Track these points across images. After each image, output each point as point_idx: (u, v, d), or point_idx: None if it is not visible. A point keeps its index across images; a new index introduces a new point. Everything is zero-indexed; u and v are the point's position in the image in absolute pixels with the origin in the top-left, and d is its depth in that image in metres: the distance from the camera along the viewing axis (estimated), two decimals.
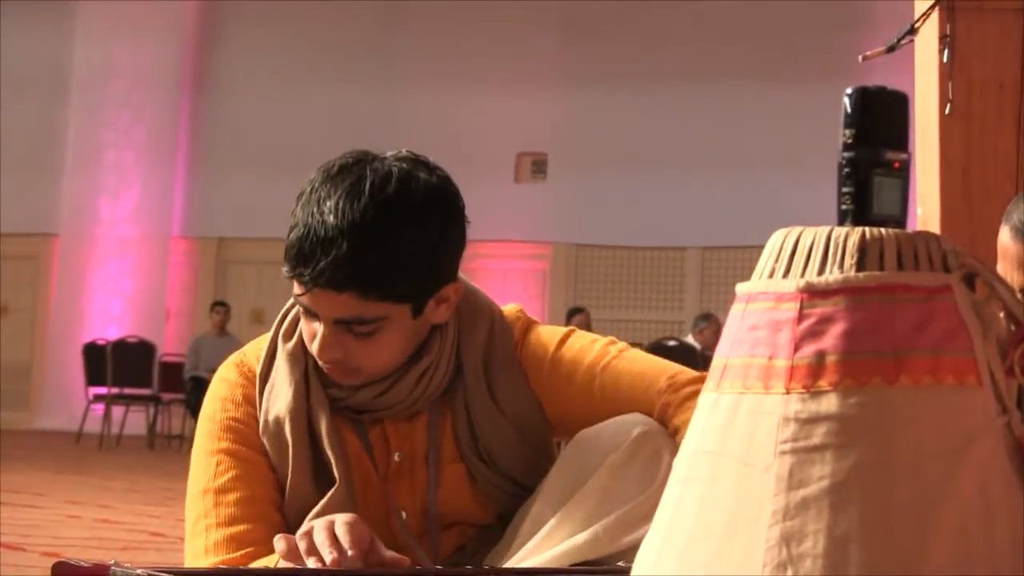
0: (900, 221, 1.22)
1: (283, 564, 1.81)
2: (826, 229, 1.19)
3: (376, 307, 1.88)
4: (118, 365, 13.13)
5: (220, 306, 14.22)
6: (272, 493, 1.98)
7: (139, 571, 1.58)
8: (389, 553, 1.79)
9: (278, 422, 1.98)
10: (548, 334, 2.08)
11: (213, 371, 2.20)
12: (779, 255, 1.20)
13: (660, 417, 1.95)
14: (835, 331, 1.15)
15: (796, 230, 1.21)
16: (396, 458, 2.02)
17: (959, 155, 2.89)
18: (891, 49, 2.84)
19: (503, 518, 2.03)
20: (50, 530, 5.24)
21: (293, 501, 1.97)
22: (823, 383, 1.14)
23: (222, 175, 16.00)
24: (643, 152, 15.04)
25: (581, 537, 1.87)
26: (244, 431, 2.00)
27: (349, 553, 1.72)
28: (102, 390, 13.26)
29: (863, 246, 1.17)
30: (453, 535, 2.04)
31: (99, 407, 13.35)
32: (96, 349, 13.39)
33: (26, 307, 16.40)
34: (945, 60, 2.83)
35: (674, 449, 1.83)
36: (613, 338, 2.10)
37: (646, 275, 15.37)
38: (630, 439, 1.89)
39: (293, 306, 2.01)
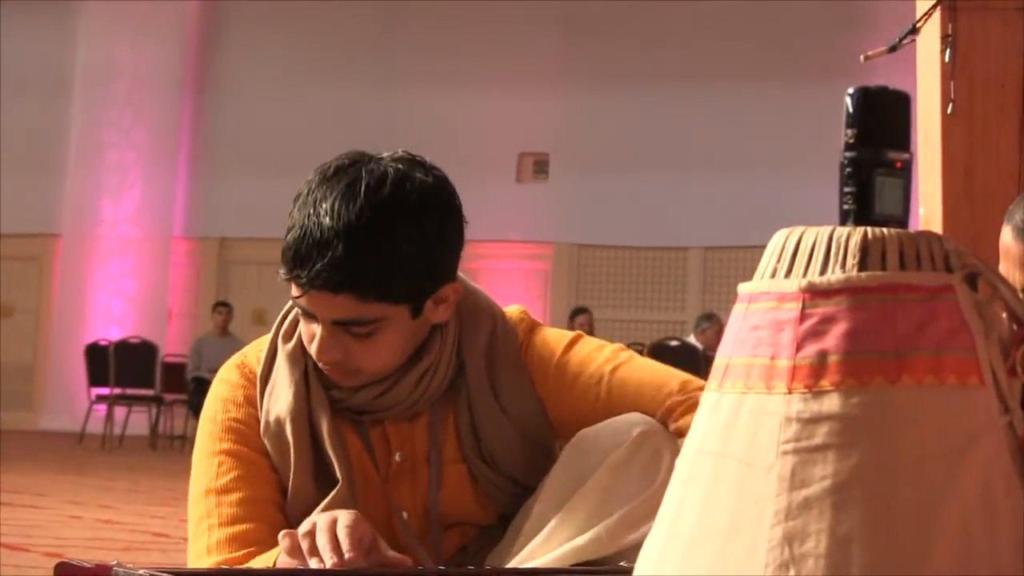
0: (902, 221, 1.22)
1: (284, 559, 1.81)
2: (828, 229, 1.19)
3: (374, 308, 1.88)
4: (120, 366, 13.14)
5: (222, 306, 14.24)
6: (274, 493, 1.99)
7: (141, 571, 1.58)
8: (391, 553, 1.80)
9: (279, 423, 1.99)
10: (555, 337, 2.07)
11: (215, 372, 2.20)
12: (781, 255, 1.20)
13: (664, 418, 1.96)
14: (837, 331, 1.15)
15: (798, 230, 1.21)
16: (397, 458, 2.02)
17: (961, 155, 2.89)
18: (893, 49, 2.84)
19: (504, 518, 2.03)
20: (52, 530, 5.24)
21: (295, 502, 1.97)
22: (825, 383, 1.14)
23: (224, 175, 16.00)
24: (645, 152, 15.04)
25: (583, 537, 1.87)
26: (245, 432, 2.01)
27: (349, 556, 1.73)
28: (104, 391, 13.27)
29: (865, 246, 1.17)
30: (455, 535, 2.04)
31: (101, 408, 13.36)
32: (98, 350, 13.40)
33: (28, 308, 16.40)
34: (947, 60, 2.83)
35: (675, 448, 1.84)
36: (622, 345, 2.10)
37: (648, 275, 15.37)
38: (630, 439, 1.89)
39: (293, 307, 2.01)
